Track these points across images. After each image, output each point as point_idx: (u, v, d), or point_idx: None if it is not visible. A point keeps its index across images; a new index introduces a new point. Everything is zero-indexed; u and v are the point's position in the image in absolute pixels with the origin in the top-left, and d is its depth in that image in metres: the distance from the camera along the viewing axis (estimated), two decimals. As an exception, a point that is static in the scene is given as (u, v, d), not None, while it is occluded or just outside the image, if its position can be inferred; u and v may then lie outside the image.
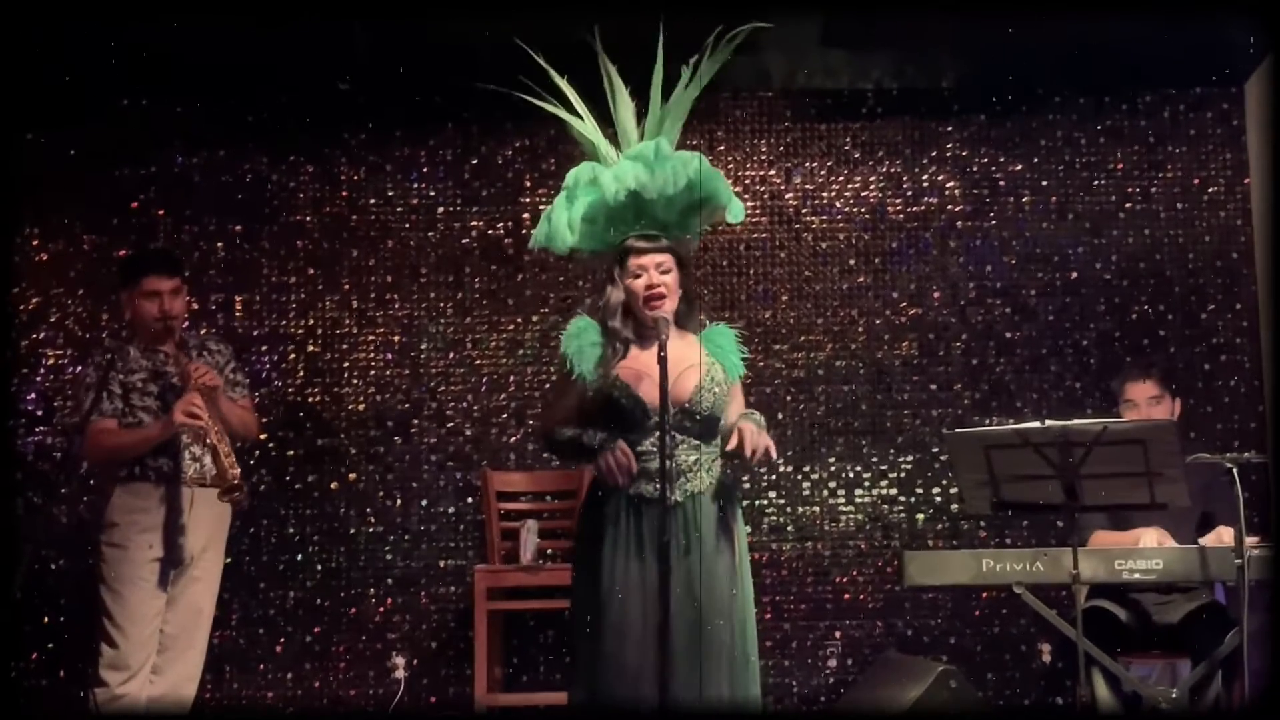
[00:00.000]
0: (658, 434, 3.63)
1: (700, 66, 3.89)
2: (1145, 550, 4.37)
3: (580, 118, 3.94)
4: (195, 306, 6.13)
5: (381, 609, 6.05)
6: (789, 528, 6.14)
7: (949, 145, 6.34)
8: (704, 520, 3.67)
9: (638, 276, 3.73)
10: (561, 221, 3.77)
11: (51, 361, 6.05)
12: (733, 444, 3.66)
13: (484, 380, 6.20)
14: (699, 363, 3.72)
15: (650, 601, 3.56)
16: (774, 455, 3.65)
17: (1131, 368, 5.18)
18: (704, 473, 3.71)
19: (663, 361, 3.51)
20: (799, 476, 6.17)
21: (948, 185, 6.33)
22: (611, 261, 3.79)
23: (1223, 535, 4.48)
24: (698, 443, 3.71)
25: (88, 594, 4.76)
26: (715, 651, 3.61)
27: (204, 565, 4.76)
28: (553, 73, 3.96)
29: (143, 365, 4.75)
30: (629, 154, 3.82)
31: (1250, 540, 4.23)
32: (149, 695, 4.62)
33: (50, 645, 5.81)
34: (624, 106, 3.90)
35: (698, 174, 3.75)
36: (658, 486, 3.63)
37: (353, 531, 6.09)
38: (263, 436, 6.04)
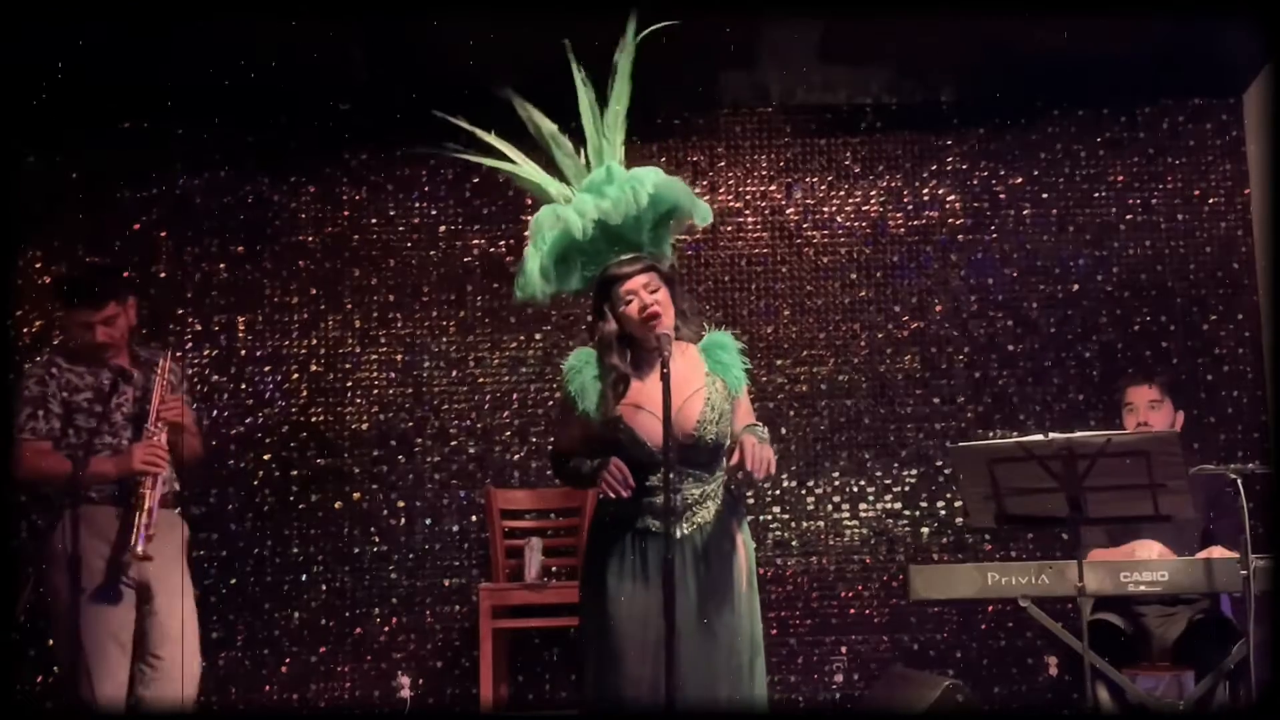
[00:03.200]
0: (663, 469, 3.60)
1: (614, 78, 3.85)
2: (1151, 562, 4.36)
3: (515, 163, 3.93)
4: (199, 327, 6.15)
5: (386, 628, 6.05)
6: (793, 543, 6.14)
7: (949, 159, 6.36)
8: (714, 545, 3.67)
9: (629, 302, 3.68)
10: (534, 270, 3.73)
11: (55, 384, 6.05)
12: (735, 460, 3.60)
13: (487, 398, 6.21)
14: (701, 387, 3.70)
15: (656, 628, 3.54)
16: (773, 470, 3.58)
17: (1134, 373, 5.18)
18: (710, 502, 3.71)
19: (665, 378, 3.51)
20: (803, 491, 6.17)
21: (948, 199, 6.34)
22: (597, 296, 3.75)
23: (1213, 555, 4.47)
24: (704, 474, 3.71)
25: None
26: (725, 673, 3.60)
27: (168, 590, 4.51)
28: (479, 131, 3.94)
29: (87, 383, 4.50)
30: (582, 187, 3.79)
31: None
32: None
33: (55, 668, 5.79)
34: (561, 148, 3.87)
35: (655, 186, 3.71)
36: (662, 521, 3.59)
37: (357, 551, 6.09)
38: (266, 457, 6.06)
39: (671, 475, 3.54)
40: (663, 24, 3.91)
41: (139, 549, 4.34)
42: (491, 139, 3.95)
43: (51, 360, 4.58)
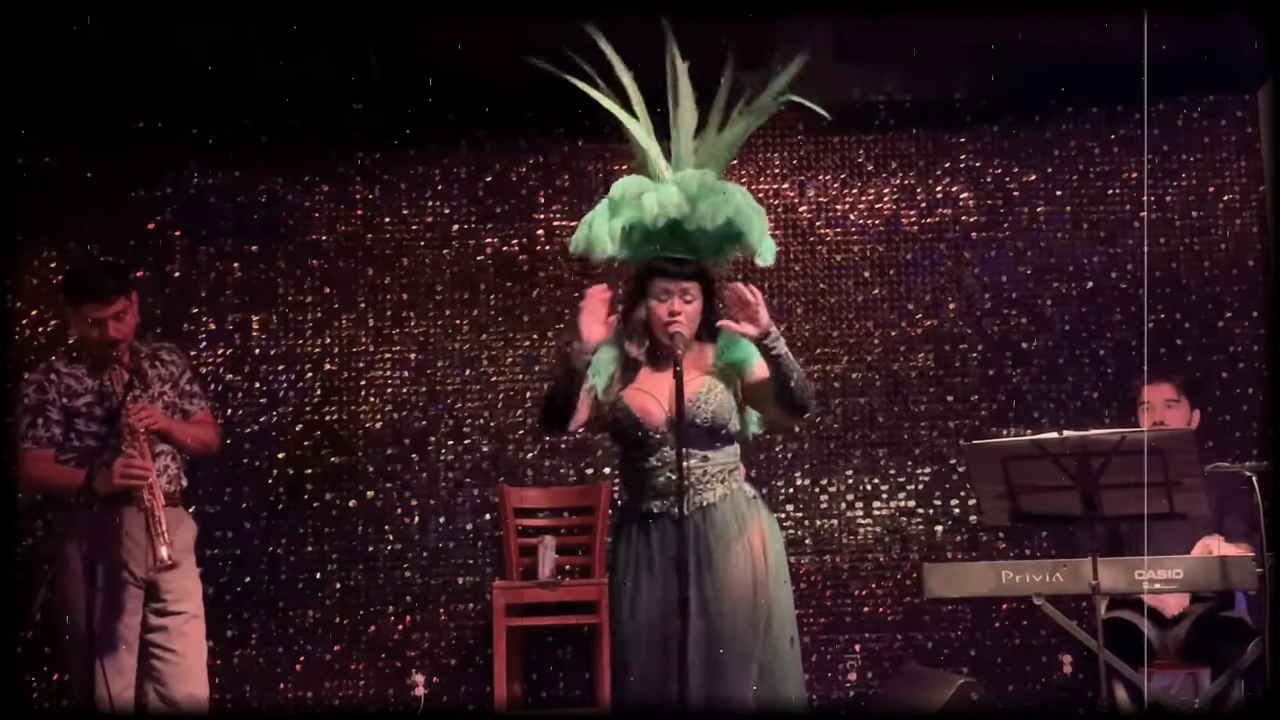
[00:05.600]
0: (661, 451, 3.67)
1: (759, 100, 3.87)
2: (1165, 560, 4.35)
3: (638, 118, 3.87)
4: (213, 326, 6.17)
5: (400, 626, 6.06)
6: (807, 541, 6.13)
7: (962, 156, 6.34)
8: (716, 531, 3.67)
9: (663, 300, 3.73)
10: (602, 231, 3.75)
11: (70, 383, 6.06)
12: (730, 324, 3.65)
13: (500, 397, 6.21)
14: (706, 372, 3.74)
15: (667, 615, 3.57)
16: (758, 311, 3.57)
17: (1150, 371, 5.15)
18: (715, 483, 3.71)
19: (678, 376, 3.54)
20: (816, 490, 6.17)
21: (961, 196, 6.33)
22: (639, 278, 3.79)
23: (1210, 547, 4.45)
24: (704, 453, 3.71)
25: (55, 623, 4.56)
26: (738, 661, 3.60)
27: (177, 589, 4.52)
28: (621, 68, 3.84)
29: (88, 386, 4.45)
30: (676, 178, 3.78)
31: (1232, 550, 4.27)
32: None
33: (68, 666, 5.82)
34: (685, 115, 3.84)
35: (737, 211, 3.73)
36: (665, 502, 3.65)
37: (371, 549, 6.10)
38: (280, 456, 6.07)
39: (669, 450, 3.62)
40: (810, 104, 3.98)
41: (165, 557, 4.29)
42: (629, 82, 3.84)
43: (50, 366, 4.55)
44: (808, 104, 3.95)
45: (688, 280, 3.73)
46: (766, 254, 3.84)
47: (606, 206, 3.79)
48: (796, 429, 6.13)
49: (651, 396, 3.69)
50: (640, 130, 3.87)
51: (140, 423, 4.36)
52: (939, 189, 6.34)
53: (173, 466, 4.56)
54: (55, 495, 4.45)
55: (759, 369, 3.74)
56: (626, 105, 3.85)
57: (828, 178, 6.36)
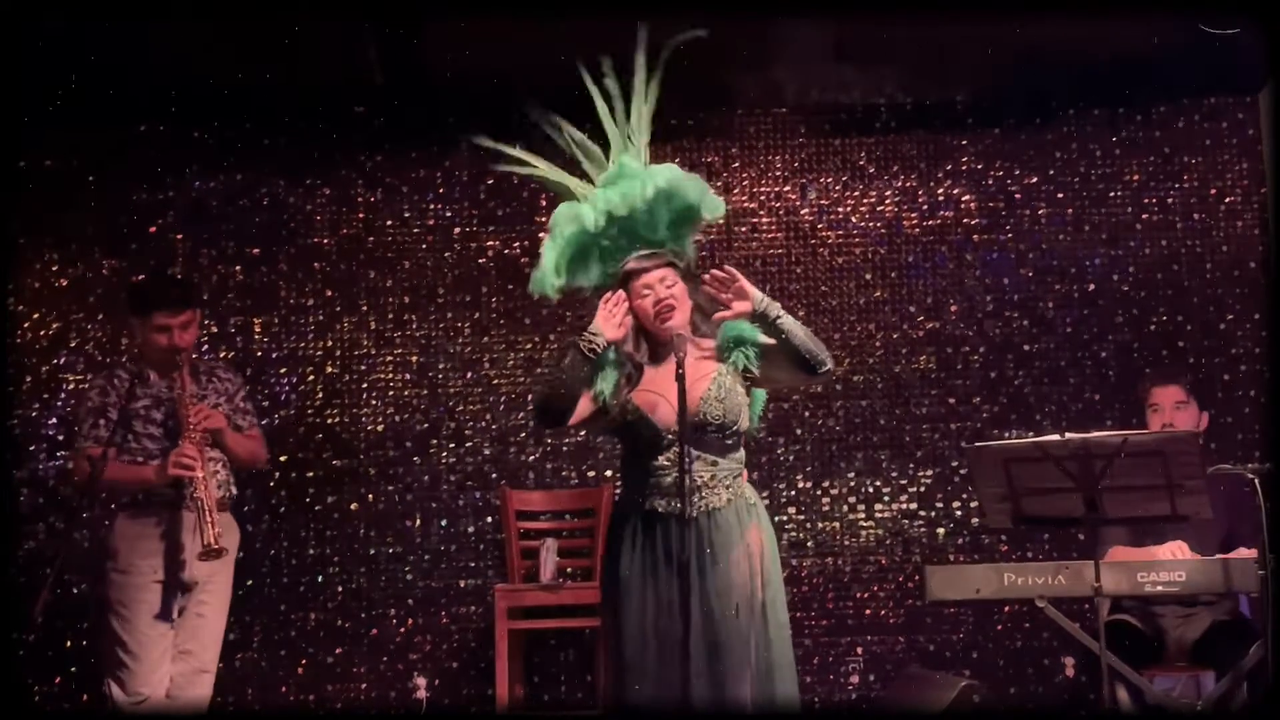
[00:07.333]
0: (670, 451, 3.68)
1: (641, 81, 3.88)
2: (1168, 562, 4.35)
3: (536, 167, 3.96)
4: (214, 329, 6.17)
5: (402, 629, 6.06)
6: (809, 543, 6.13)
7: (964, 159, 6.34)
8: (720, 535, 3.68)
9: (644, 296, 3.76)
10: (549, 264, 3.80)
11: (72, 386, 6.06)
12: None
13: (502, 399, 6.21)
14: (712, 371, 3.75)
15: (668, 616, 3.59)
16: (745, 285, 3.67)
17: (1158, 372, 5.14)
18: (721, 488, 3.73)
19: (680, 379, 3.55)
20: (818, 492, 6.16)
21: (963, 199, 6.33)
22: (620, 288, 3.80)
23: (1173, 551, 4.45)
24: (714, 458, 3.73)
25: (99, 620, 4.73)
26: (738, 662, 3.61)
27: (212, 589, 4.70)
28: (504, 148, 3.97)
29: (148, 391, 4.67)
30: (599, 183, 3.86)
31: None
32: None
33: (74, 669, 5.83)
34: (589, 155, 3.92)
35: (666, 179, 3.77)
36: (672, 502, 3.66)
37: (373, 552, 6.10)
38: (282, 458, 6.07)
39: (676, 452, 3.61)
40: (688, 34, 3.92)
41: (213, 541, 4.44)
42: (516, 152, 3.98)
43: (113, 371, 4.79)
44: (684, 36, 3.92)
45: (661, 269, 3.77)
46: (714, 208, 3.87)
47: (550, 241, 3.84)
48: (798, 431, 6.13)
49: (660, 396, 3.70)
50: (550, 172, 3.95)
51: (200, 422, 4.56)
52: (940, 191, 6.33)
53: (223, 472, 4.73)
54: (115, 491, 4.68)
55: (764, 335, 3.77)
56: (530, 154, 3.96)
57: (829, 180, 6.36)
